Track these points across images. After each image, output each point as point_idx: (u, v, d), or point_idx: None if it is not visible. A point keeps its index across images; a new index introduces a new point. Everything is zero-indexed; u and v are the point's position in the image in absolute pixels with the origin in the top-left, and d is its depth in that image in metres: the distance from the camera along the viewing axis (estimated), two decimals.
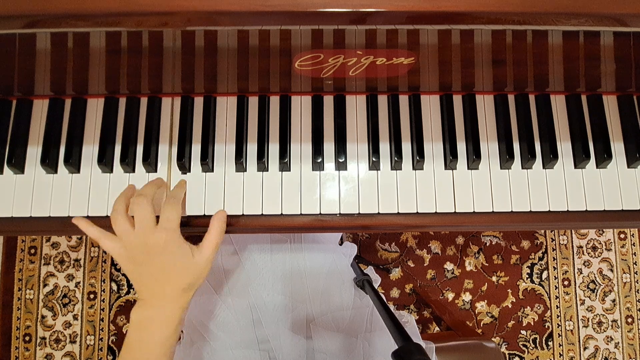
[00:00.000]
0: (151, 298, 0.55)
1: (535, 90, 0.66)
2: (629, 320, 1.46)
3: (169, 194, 0.58)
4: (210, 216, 0.59)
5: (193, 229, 0.62)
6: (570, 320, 1.46)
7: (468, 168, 0.64)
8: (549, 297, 1.46)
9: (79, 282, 1.42)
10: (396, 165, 0.63)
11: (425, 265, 1.46)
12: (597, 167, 0.64)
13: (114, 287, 1.42)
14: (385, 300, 0.72)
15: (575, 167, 0.64)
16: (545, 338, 1.45)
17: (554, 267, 1.47)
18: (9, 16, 0.45)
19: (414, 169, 0.64)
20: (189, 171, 0.63)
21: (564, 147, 0.65)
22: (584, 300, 1.46)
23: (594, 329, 1.46)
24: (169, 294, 0.54)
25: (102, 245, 0.55)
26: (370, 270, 0.86)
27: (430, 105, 0.66)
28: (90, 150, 0.64)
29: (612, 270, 1.48)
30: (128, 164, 0.62)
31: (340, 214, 0.62)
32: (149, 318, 0.54)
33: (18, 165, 0.62)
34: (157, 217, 0.55)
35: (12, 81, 0.62)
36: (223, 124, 0.65)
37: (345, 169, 0.63)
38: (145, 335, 0.54)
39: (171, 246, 0.54)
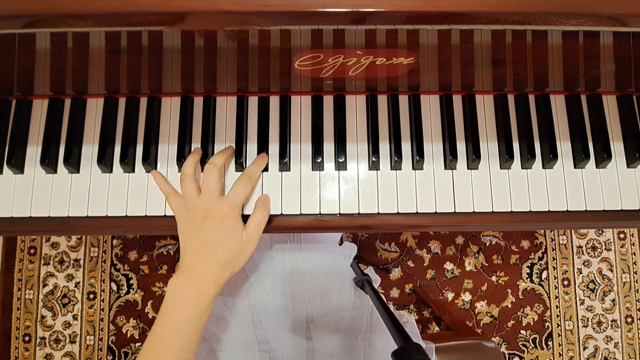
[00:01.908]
0: (191, 267, 0.56)
1: (535, 90, 0.66)
2: (629, 320, 1.46)
3: (246, 171, 0.60)
4: None
5: None
6: (570, 320, 1.46)
7: (468, 168, 0.64)
8: (549, 297, 1.46)
9: (78, 282, 1.42)
10: (396, 165, 0.63)
11: (425, 265, 1.46)
12: (596, 167, 0.64)
13: (114, 287, 1.42)
14: (385, 300, 0.72)
15: (575, 167, 0.64)
16: (545, 338, 1.45)
17: (553, 267, 1.47)
18: (9, 16, 0.45)
19: (413, 169, 0.64)
20: None
21: (564, 147, 0.65)
22: (584, 300, 1.46)
23: (593, 328, 1.46)
24: (208, 265, 0.56)
25: (168, 201, 0.59)
26: (370, 270, 0.86)
27: (430, 105, 0.66)
28: (89, 150, 0.64)
29: (611, 270, 1.48)
30: (128, 164, 0.62)
31: (340, 214, 0.62)
32: (184, 290, 0.55)
33: (18, 165, 0.62)
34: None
35: (11, 81, 0.62)
36: (223, 124, 0.65)
37: (345, 169, 0.63)
38: (177, 308, 0.55)
39: (229, 220, 0.56)
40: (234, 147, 0.63)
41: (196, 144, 0.64)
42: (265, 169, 0.63)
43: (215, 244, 0.56)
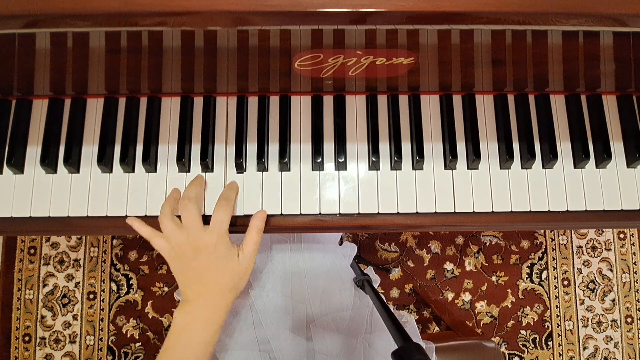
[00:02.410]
0: (195, 299, 0.56)
1: (535, 90, 0.66)
2: (629, 320, 1.46)
3: (221, 196, 0.59)
4: (208, 216, 0.59)
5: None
6: (570, 320, 1.46)
7: (468, 168, 0.64)
8: (549, 297, 1.46)
9: (78, 282, 1.42)
10: (396, 165, 0.63)
11: (425, 265, 1.46)
12: (596, 167, 0.64)
13: (114, 287, 1.42)
14: (385, 300, 0.72)
15: (575, 167, 0.64)
16: (545, 338, 1.45)
17: (553, 267, 1.47)
18: (9, 16, 0.45)
19: (413, 168, 0.64)
20: (189, 171, 0.63)
21: (564, 147, 0.65)
22: (584, 300, 1.47)
23: (593, 328, 1.46)
24: (213, 295, 0.56)
25: (153, 244, 0.57)
26: (370, 270, 0.86)
27: (430, 105, 0.66)
28: (89, 150, 0.64)
29: (611, 270, 1.48)
30: (128, 164, 0.62)
31: (340, 214, 0.62)
32: (193, 319, 0.55)
33: (17, 165, 0.62)
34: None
35: (11, 81, 0.62)
36: (223, 124, 0.65)
37: (345, 169, 0.63)
38: (187, 336, 0.55)
39: (220, 247, 0.55)
40: (234, 147, 0.63)
41: (196, 144, 0.64)
42: (265, 169, 0.63)
43: (214, 273, 0.56)
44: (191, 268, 0.56)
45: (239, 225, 0.62)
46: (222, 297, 0.56)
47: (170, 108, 0.65)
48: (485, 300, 1.45)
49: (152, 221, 0.62)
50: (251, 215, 0.62)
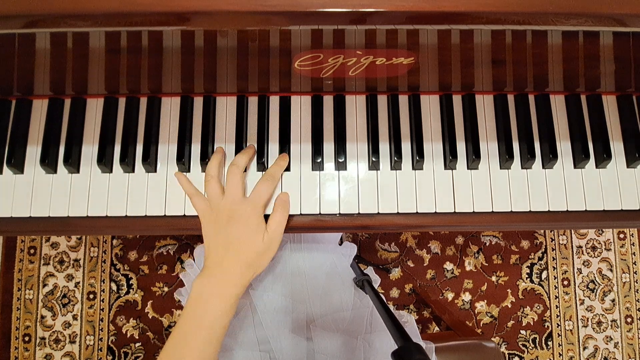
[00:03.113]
0: (216, 266, 0.57)
1: (535, 90, 0.66)
2: (629, 320, 1.46)
3: (268, 171, 0.61)
4: None
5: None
6: (570, 320, 1.46)
7: (468, 168, 0.64)
8: (549, 297, 1.46)
9: (78, 282, 1.42)
10: (396, 165, 0.63)
11: (425, 265, 1.46)
12: (596, 167, 0.64)
13: (114, 287, 1.42)
14: (385, 300, 0.72)
15: (575, 167, 0.64)
16: (545, 338, 1.45)
17: (553, 267, 1.47)
18: (8, 16, 0.45)
19: (413, 168, 0.64)
20: (189, 171, 0.63)
21: (564, 147, 0.65)
22: (584, 300, 1.46)
23: (593, 328, 1.46)
24: (232, 266, 0.57)
25: (193, 202, 0.60)
26: (370, 270, 0.86)
27: (430, 105, 0.66)
28: (89, 150, 0.64)
29: (611, 270, 1.48)
30: (127, 164, 0.62)
31: (340, 214, 0.62)
32: (209, 290, 0.56)
33: (17, 165, 0.62)
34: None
35: (11, 81, 0.62)
36: (223, 124, 0.65)
37: (345, 169, 0.63)
38: (201, 307, 0.55)
39: (252, 220, 0.57)
40: (234, 147, 0.63)
41: (196, 144, 0.64)
42: (266, 169, 0.63)
43: (239, 244, 0.57)
44: (222, 234, 0.57)
45: None
46: (239, 270, 0.57)
47: (170, 108, 0.65)
48: (485, 300, 1.45)
49: (152, 221, 0.62)
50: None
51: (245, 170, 0.62)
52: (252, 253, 0.57)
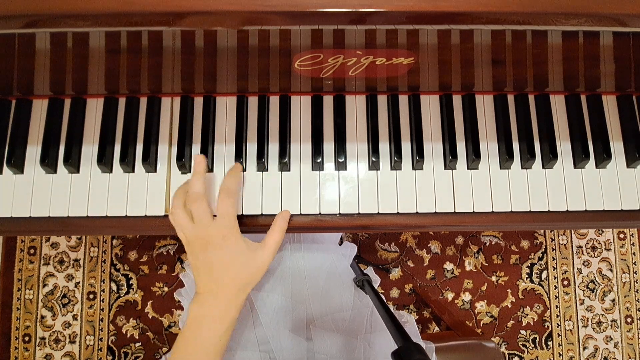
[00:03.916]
0: (207, 292, 0.56)
1: (535, 90, 0.66)
2: (629, 320, 1.46)
3: (221, 187, 0.58)
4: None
5: None
6: (570, 320, 1.46)
7: (468, 168, 0.64)
8: (549, 297, 1.46)
9: (78, 282, 1.42)
10: (396, 165, 0.63)
11: (425, 265, 1.46)
12: (596, 167, 0.64)
13: (114, 287, 1.42)
14: (385, 300, 0.72)
15: (575, 167, 0.64)
16: (545, 338, 1.45)
17: (553, 267, 1.47)
18: (8, 16, 0.45)
19: (413, 168, 0.64)
20: (189, 171, 0.63)
21: (564, 147, 0.65)
22: (584, 300, 1.47)
23: (593, 328, 1.46)
24: (223, 290, 0.56)
25: (177, 231, 0.58)
26: (370, 271, 0.86)
27: (430, 105, 0.66)
28: (89, 150, 0.64)
29: (611, 270, 1.48)
30: (127, 164, 0.62)
31: (340, 214, 0.62)
32: (203, 314, 0.55)
33: (17, 165, 0.62)
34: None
35: (11, 81, 0.62)
36: (223, 124, 0.65)
37: (345, 169, 0.63)
38: (197, 332, 0.55)
39: (229, 241, 0.55)
40: (234, 147, 0.63)
41: (196, 144, 0.64)
42: (265, 169, 0.63)
43: (225, 268, 0.56)
44: (201, 261, 0.56)
45: (239, 225, 0.62)
46: (232, 294, 0.56)
47: (171, 108, 0.65)
48: (485, 300, 1.45)
49: (152, 221, 0.62)
50: (251, 215, 0.62)
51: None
52: (241, 274, 0.56)
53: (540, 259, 1.47)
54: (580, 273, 1.47)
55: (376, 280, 0.85)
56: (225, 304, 0.56)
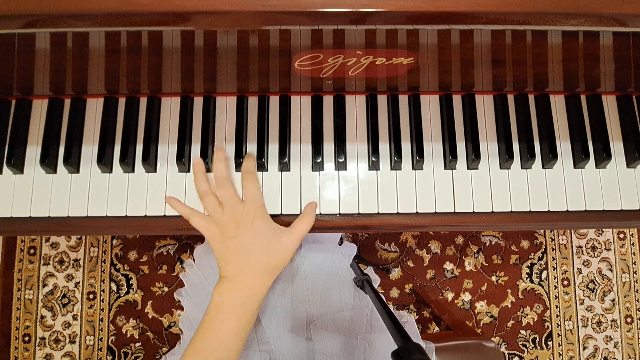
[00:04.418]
0: (233, 276, 0.56)
1: (535, 90, 0.66)
2: (628, 320, 1.47)
3: (243, 169, 0.60)
4: None
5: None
6: (570, 320, 1.46)
7: (467, 168, 0.64)
8: (549, 297, 1.46)
9: (78, 282, 1.42)
10: (396, 165, 0.63)
11: (424, 265, 1.46)
12: (596, 167, 0.64)
13: (114, 287, 1.42)
14: (384, 300, 0.72)
15: (575, 167, 0.64)
16: (545, 338, 1.45)
17: (553, 267, 1.47)
18: (8, 16, 0.45)
19: (413, 168, 0.64)
20: (188, 171, 0.63)
21: (564, 147, 0.65)
22: (584, 300, 1.47)
23: (593, 328, 1.46)
24: (250, 274, 0.56)
25: (193, 222, 0.58)
26: (369, 270, 0.86)
27: (430, 105, 0.66)
28: (89, 150, 0.64)
29: (611, 270, 1.48)
30: (127, 163, 0.62)
31: (340, 214, 0.62)
32: (230, 300, 0.55)
33: (17, 165, 0.62)
34: None
35: (11, 81, 0.62)
36: (223, 124, 0.65)
37: (345, 169, 0.63)
38: (219, 318, 0.55)
39: (258, 222, 0.56)
40: (234, 147, 0.63)
41: (196, 144, 0.64)
42: (265, 169, 0.63)
43: (253, 251, 0.56)
44: (233, 245, 0.56)
45: None
46: (259, 277, 0.56)
47: (170, 108, 0.65)
48: (485, 300, 1.45)
49: (152, 221, 0.62)
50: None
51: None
52: (268, 257, 0.57)
53: (540, 259, 1.47)
54: (580, 273, 1.47)
55: (376, 280, 0.85)
56: (251, 287, 0.56)
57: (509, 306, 1.46)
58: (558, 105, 0.66)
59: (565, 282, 1.47)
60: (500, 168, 0.64)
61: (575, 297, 1.46)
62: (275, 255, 0.57)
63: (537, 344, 1.45)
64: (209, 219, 0.57)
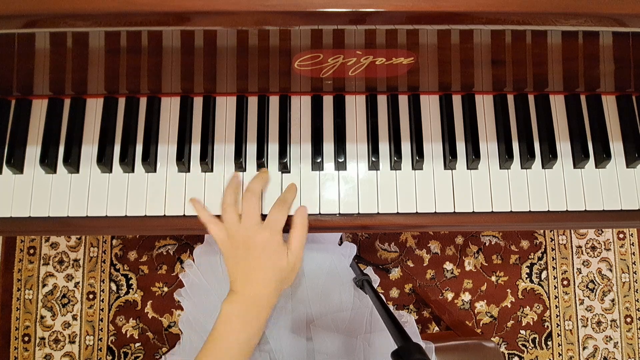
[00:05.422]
0: (242, 291, 0.57)
1: (535, 90, 0.66)
2: (628, 319, 1.47)
3: (280, 197, 0.60)
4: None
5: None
6: (570, 320, 1.46)
7: (467, 168, 0.64)
8: (548, 297, 1.46)
9: (78, 282, 1.42)
10: (395, 165, 0.63)
11: (424, 265, 1.46)
12: (596, 167, 0.64)
13: (113, 287, 1.42)
14: (384, 300, 0.72)
15: (575, 167, 0.64)
16: (545, 338, 1.45)
17: (553, 267, 1.47)
18: (8, 16, 0.45)
19: (413, 168, 0.64)
20: (188, 171, 0.63)
21: (563, 147, 0.65)
22: (583, 300, 1.47)
23: (593, 328, 1.46)
24: (259, 292, 0.57)
25: (209, 229, 0.58)
26: (369, 270, 0.86)
27: (430, 105, 0.66)
28: (89, 150, 0.64)
29: (611, 270, 1.48)
30: (127, 164, 0.62)
31: (339, 214, 0.62)
32: (239, 313, 0.56)
33: (17, 165, 0.62)
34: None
35: (11, 81, 0.62)
36: (222, 124, 0.65)
37: (345, 169, 0.63)
38: (228, 331, 0.55)
39: (270, 246, 0.56)
40: (234, 147, 0.63)
41: (196, 144, 0.64)
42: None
43: (261, 270, 0.57)
44: (241, 263, 0.57)
45: None
46: (267, 297, 0.57)
47: (170, 108, 0.65)
48: (485, 300, 1.45)
49: (152, 221, 0.62)
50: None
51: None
52: (274, 276, 0.57)
53: (540, 259, 1.47)
54: (580, 273, 1.47)
55: (376, 280, 0.85)
56: (258, 309, 0.57)
57: (509, 306, 1.46)
58: (558, 105, 0.66)
59: (565, 282, 1.47)
60: (500, 168, 0.64)
61: (575, 297, 1.46)
62: (281, 272, 0.58)
63: (536, 344, 1.45)
64: (225, 230, 0.57)
